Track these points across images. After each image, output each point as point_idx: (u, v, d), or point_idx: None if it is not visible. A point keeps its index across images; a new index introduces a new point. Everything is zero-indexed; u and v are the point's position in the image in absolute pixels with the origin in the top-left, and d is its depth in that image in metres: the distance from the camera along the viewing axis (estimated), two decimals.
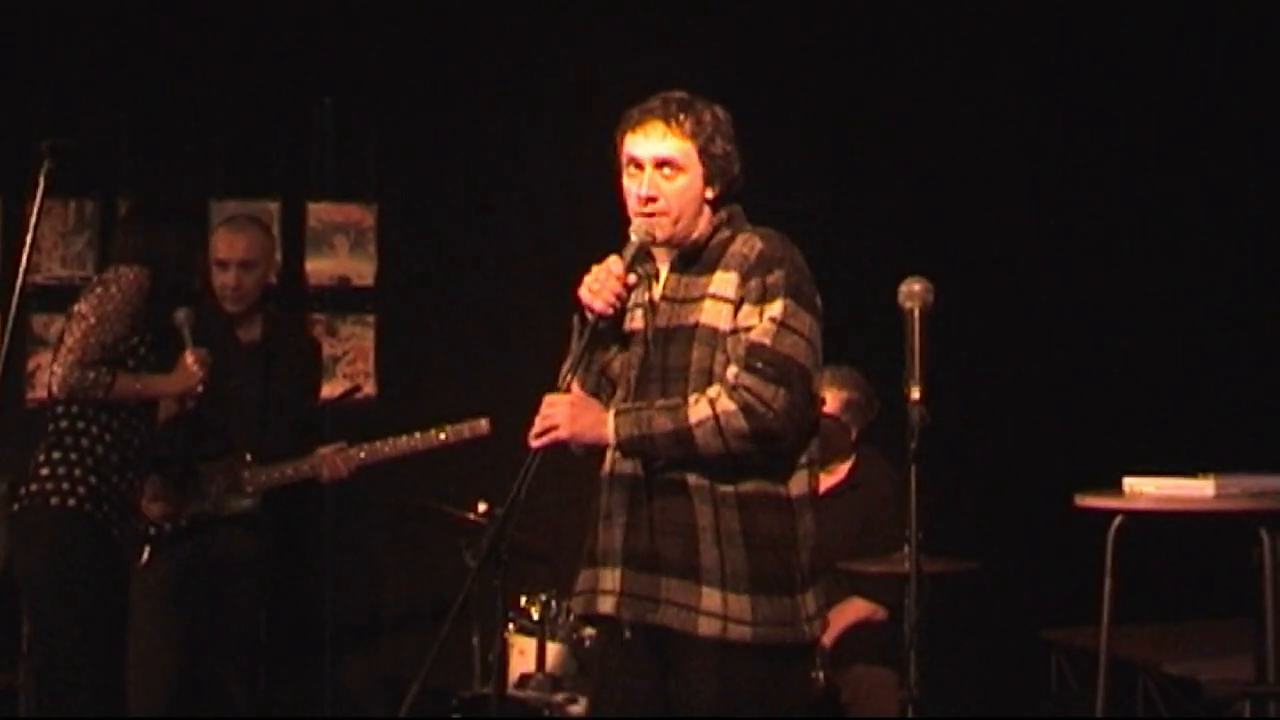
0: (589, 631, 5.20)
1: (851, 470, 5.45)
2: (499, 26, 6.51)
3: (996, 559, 5.08)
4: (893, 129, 6.62)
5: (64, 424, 4.72)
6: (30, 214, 3.76)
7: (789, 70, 6.62)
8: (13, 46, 6.16)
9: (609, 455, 3.65)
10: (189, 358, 4.85)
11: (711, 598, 3.50)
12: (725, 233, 3.66)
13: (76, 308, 4.72)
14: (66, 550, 4.64)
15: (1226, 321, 6.58)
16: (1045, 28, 6.67)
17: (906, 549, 3.95)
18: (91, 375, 4.63)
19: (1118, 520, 4.28)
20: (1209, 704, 5.04)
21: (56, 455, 4.68)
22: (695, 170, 3.63)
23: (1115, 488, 4.30)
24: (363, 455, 5.34)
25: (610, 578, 3.61)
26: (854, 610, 5.28)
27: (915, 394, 3.76)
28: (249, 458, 5.24)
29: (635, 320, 3.69)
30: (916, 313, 3.80)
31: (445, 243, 6.52)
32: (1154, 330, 6.57)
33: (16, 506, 4.72)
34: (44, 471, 4.67)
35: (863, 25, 6.68)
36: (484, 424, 5.33)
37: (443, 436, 5.38)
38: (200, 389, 4.91)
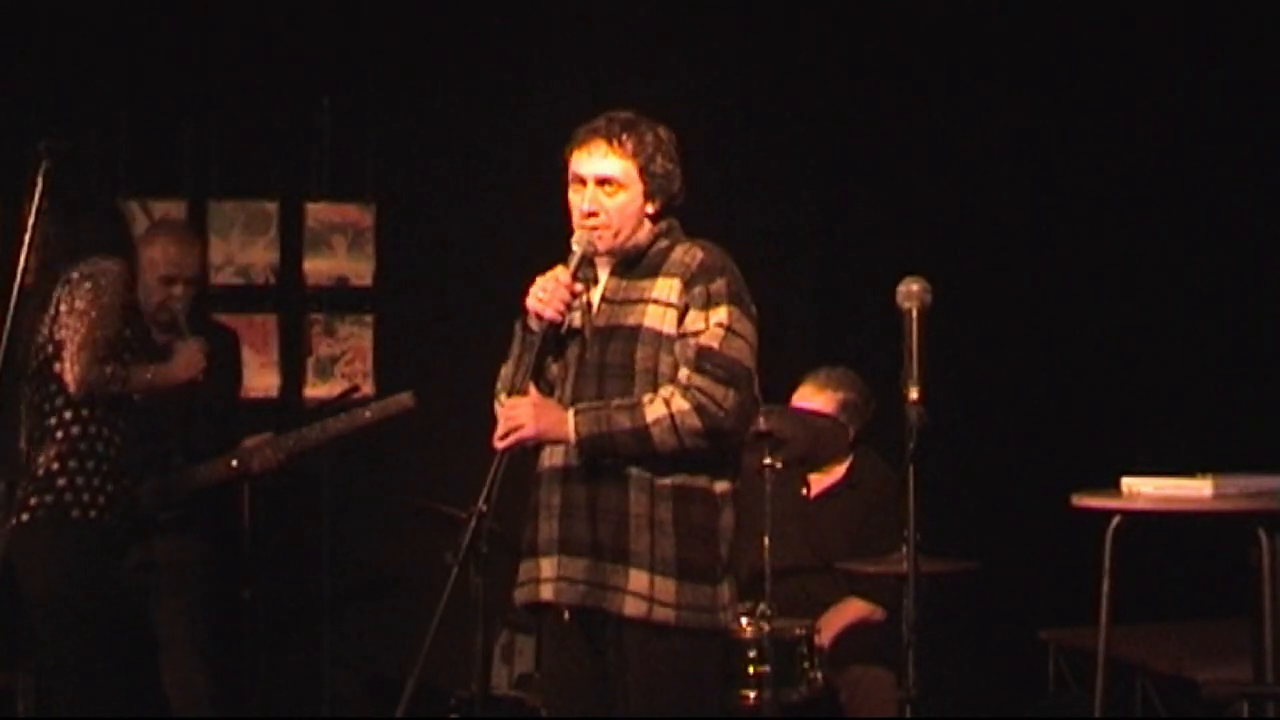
0: None
1: (849, 470, 5.46)
2: (498, 27, 6.51)
3: (994, 559, 5.09)
4: (891, 129, 6.62)
5: (75, 430, 4.52)
6: (28, 214, 3.76)
7: (788, 70, 6.62)
8: (12, 46, 6.16)
9: (546, 451, 3.86)
10: (192, 344, 4.81)
11: (639, 580, 3.72)
12: (665, 242, 3.87)
13: (71, 305, 4.51)
14: (90, 565, 4.50)
15: (1225, 321, 6.58)
16: (1045, 27, 6.66)
17: (904, 549, 3.96)
18: (108, 370, 4.50)
19: (1116, 520, 4.28)
20: (1207, 704, 5.04)
21: (73, 464, 4.49)
22: (635, 187, 3.84)
23: (1113, 488, 4.30)
24: (292, 444, 5.31)
25: (548, 565, 3.81)
26: (851, 610, 5.28)
27: (913, 394, 3.78)
28: (179, 460, 5.20)
29: (573, 321, 3.89)
30: (915, 313, 3.81)
31: (443, 243, 6.52)
32: (1152, 330, 6.57)
33: (27, 517, 4.48)
34: (61, 482, 4.47)
35: (862, 25, 6.67)
36: (407, 398, 5.33)
37: (368, 414, 5.41)
38: (201, 377, 4.86)
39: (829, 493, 5.43)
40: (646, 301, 3.81)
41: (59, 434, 4.52)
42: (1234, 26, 6.57)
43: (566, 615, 3.82)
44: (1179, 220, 6.62)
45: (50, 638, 4.59)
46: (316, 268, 6.50)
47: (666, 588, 3.71)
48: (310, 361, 6.48)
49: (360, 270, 6.53)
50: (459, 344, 6.44)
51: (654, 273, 3.83)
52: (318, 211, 6.49)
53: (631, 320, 3.81)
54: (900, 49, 6.68)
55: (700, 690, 3.79)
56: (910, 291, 3.83)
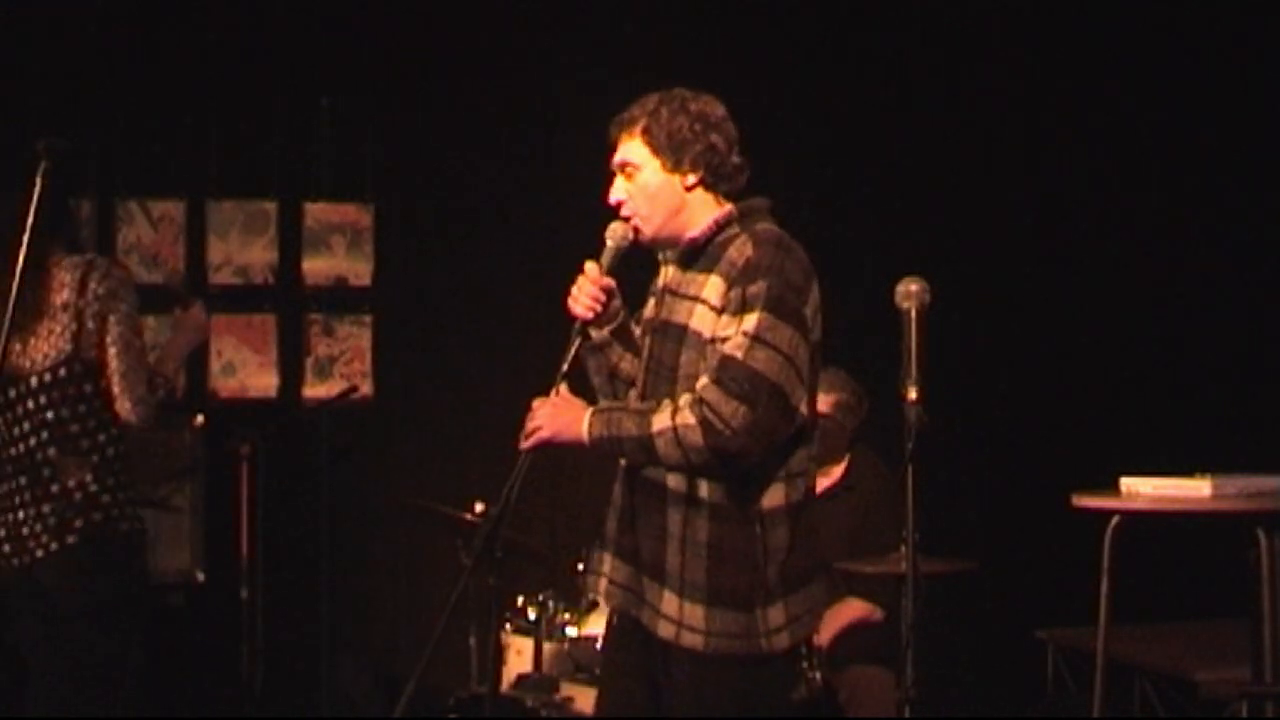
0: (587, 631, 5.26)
1: (846, 471, 5.46)
2: (497, 27, 6.51)
3: (993, 559, 5.09)
4: (891, 128, 6.63)
5: (111, 450, 4.34)
6: (27, 214, 3.75)
7: (787, 69, 6.63)
8: (11, 46, 6.16)
9: None
10: (194, 308, 4.72)
11: (670, 602, 3.57)
12: (731, 231, 3.62)
13: (105, 328, 4.28)
14: (140, 572, 4.42)
15: (1224, 321, 6.58)
16: (1045, 27, 6.67)
17: (903, 549, 3.96)
18: (159, 394, 4.36)
19: (1115, 520, 4.28)
20: (1205, 704, 5.04)
21: (111, 481, 4.32)
22: (651, 164, 3.62)
23: (1112, 488, 4.30)
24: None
25: (608, 563, 3.70)
26: (850, 611, 5.28)
27: (912, 394, 3.77)
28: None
29: (650, 309, 3.73)
30: (913, 313, 3.80)
31: (442, 243, 6.52)
32: (1151, 331, 6.58)
33: (74, 540, 4.26)
34: (105, 499, 4.30)
35: (862, 24, 6.68)
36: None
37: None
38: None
39: (826, 494, 5.41)
40: (696, 300, 3.58)
41: (95, 456, 4.33)
42: (1234, 26, 6.57)
43: (615, 619, 3.74)
44: (1179, 220, 6.62)
45: (87, 650, 4.35)
46: (315, 268, 6.51)
47: (695, 613, 3.54)
48: (309, 361, 6.49)
49: (359, 270, 6.53)
50: (458, 344, 6.45)
51: (709, 268, 3.58)
52: (317, 211, 6.50)
53: (681, 319, 3.60)
54: (900, 49, 6.69)
55: (742, 715, 3.60)
56: (909, 291, 3.82)
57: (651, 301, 3.73)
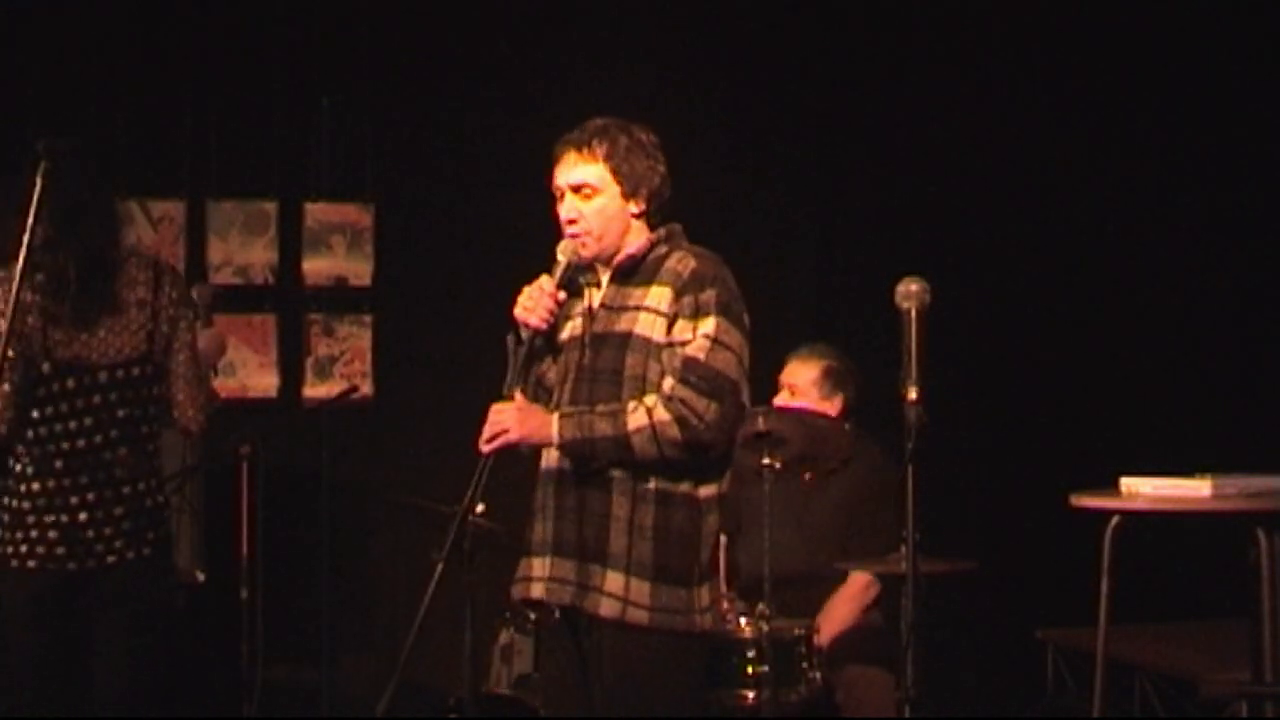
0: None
1: (842, 413, 5.45)
2: (497, 27, 6.51)
3: (993, 559, 5.08)
4: (891, 129, 6.63)
5: (158, 459, 4.28)
6: (27, 214, 3.75)
7: (787, 69, 6.63)
8: (11, 46, 6.16)
9: (545, 453, 3.93)
10: (214, 327, 4.73)
11: (615, 581, 3.78)
12: (662, 249, 3.91)
13: (176, 331, 4.21)
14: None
15: (1225, 321, 6.58)
16: (1044, 27, 6.67)
17: (904, 549, 3.96)
18: (214, 397, 4.40)
19: (1114, 520, 4.27)
20: (1205, 704, 5.04)
21: (160, 494, 4.27)
22: (610, 189, 3.90)
23: (1112, 488, 4.29)
24: None
25: (540, 565, 3.89)
26: (855, 584, 5.27)
27: (912, 394, 3.78)
28: None
29: (575, 328, 3.97)
30: (913, 313, 3.81)
31: (443, 243, 6.53)
32: (1152, 330, 6.58)
33: (149, 551, 4.17)
34: (166, 512, 4.27)
35: (861, 24, 6.68)
36: None
37: None
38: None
39: (823, 471, 5.44)
40: (639, 309, 3.86)
41: (155, 462, 4.27)
42: (1234, 26, 6.57)
43: (556, 614, 3.93)
44: (1179, 220, 6.62)
45: (164, 650, 4.31)
46: (315, 268, 6.51)
47: (641, 589, 3.77)
48: (309, 361, 6.49)
49: (359, 270, 6.53)
50: (457, 344, 6.45)
51: (649, 280, 3.88)
52: (317, 211, 6.50)
53: (623, 327, 3.87)
54: (900, 49, 6.69)
55: (673, 691, 3.84)
56: (909, 291, 3.83)
57: (578, 320, 3.96)
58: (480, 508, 5.41)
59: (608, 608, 3.78)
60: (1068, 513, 4.30)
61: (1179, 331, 6.55)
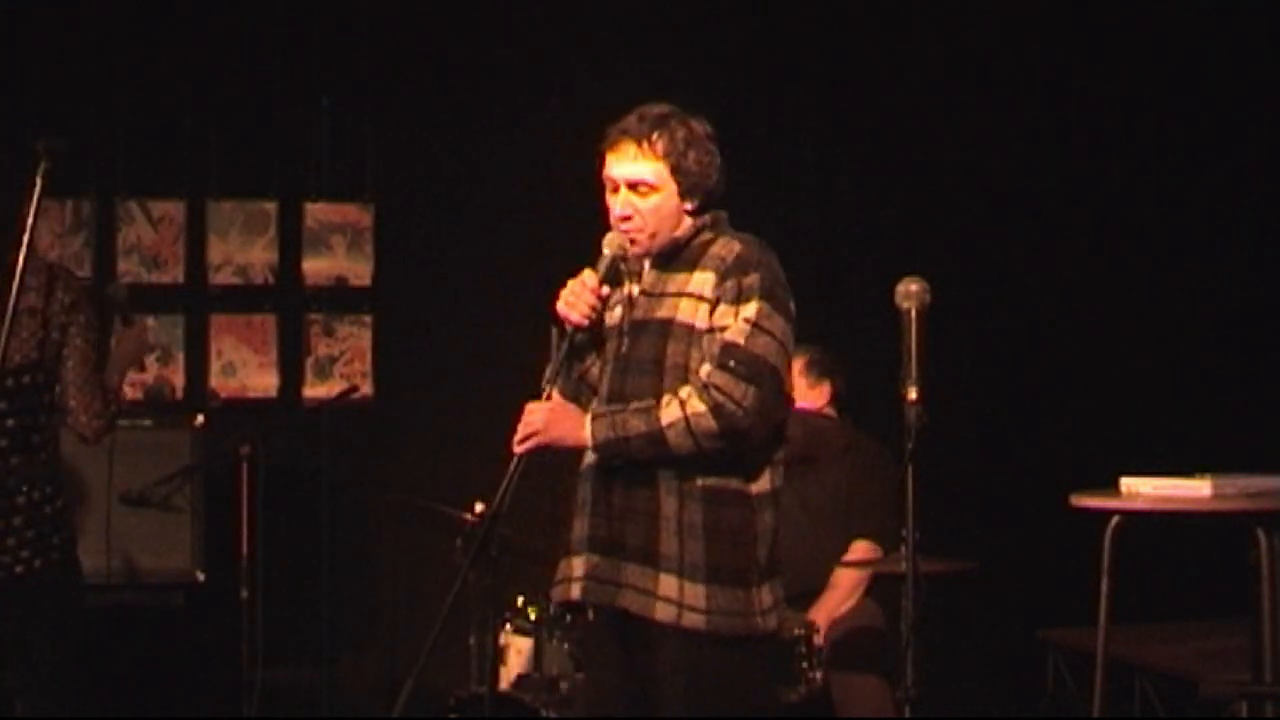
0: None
1: (831, 399, 5.49)
2: (497, 27, 6.51)
3: (993, 559, 5.09)
4: (891, 129, 6.62)
5: (54, 466, 4.22)
6: (27, 214, 3.75)
7: (788, 69, 6.62)
8: (11, 46, 6.16)
9: (587, 451, 3.77)
10: (139, 326, 4.64)
11: (669, 584, 3.64)
12: (707, 235, 3.79)
13: (67, 338, 4.20)
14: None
15: (1224, 321, 6.58)
16: (1044, 27, 6.67)
17: (904, 549, 3.96)
18: (111, 409, 4.29)
19: (1115, 520, 4.27)
20: (1205, 704, 5.03)
21: (61, 500, 4.23)
22: (669, 188, 3.75)
23: (1112, 488, 4.29)
24: None
25: (580, 564, 3.76)
26: (859, 552, 5.28)
27: (912, 394, 3.78)
28: None
29: (614, 316, 3.83)
30: (913, 313, 3.81)
31: (442, 243, 6.52)
32: (1151, 331, 6.57)
33: (57, 556, 4.16)
34: (65, 516, 4.23)
35: (862, 24, 6.67)
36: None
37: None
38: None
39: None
40: (681, 295, 3.73)
41: (50, 469, 4.24)
42: (1233, 26, 6.57)
43: (591, 614, 3.80)
44: (1178, 220, 6.62)
45: (80, 654, 4.32)
46: (315, 268, 6.50)
47: (696, 592, 3.62)
48: (309, 361, 6.48)
49: (359, 270, 6.53)
50: (458, 344, 6.45)
51: (691, 266, 3.75)
52: (317, 211, 6.49)
53: (664, 314, 3.74)
54: (900, 49, 6.68)
55: (736, 696, 3.69)
56: (909, 291, 3.83)
57: (619, 309, 3.83)
58: (479, 507, 5.43)
59: (662, 612, 3.63)
60: (1068, 513, 4.30)
61: (1178, 331, 6.55)
